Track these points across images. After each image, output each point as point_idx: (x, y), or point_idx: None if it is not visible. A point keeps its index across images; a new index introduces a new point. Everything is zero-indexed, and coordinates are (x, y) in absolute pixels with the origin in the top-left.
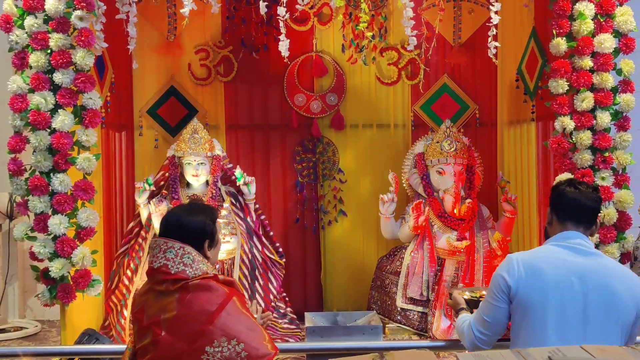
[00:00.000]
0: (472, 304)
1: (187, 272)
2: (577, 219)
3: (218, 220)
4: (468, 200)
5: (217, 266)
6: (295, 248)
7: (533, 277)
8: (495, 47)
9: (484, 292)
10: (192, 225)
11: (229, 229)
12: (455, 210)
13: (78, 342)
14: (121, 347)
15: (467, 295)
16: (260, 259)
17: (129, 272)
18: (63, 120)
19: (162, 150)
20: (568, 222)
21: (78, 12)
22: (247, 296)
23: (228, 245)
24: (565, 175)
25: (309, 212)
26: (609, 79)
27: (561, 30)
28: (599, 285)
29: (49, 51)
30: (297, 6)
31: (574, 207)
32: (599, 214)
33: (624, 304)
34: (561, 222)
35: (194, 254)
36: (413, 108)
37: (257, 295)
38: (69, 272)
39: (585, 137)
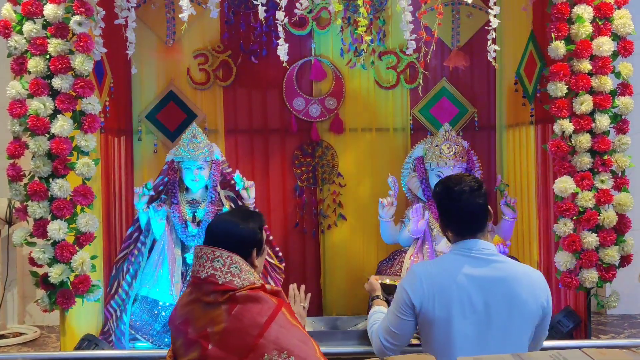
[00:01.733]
0: (388, 290)
1: (235, 282)
2: (471, 230)
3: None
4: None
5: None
6: (294, 252)
7: (436, 294)
8: (495, 51)
9: None
10: (241, 234)
11: None
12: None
13: (77, 347)
14: (121, 352)
15: (387, 281)
16: None
17: (128, 277)
18: (62, 125)
19: (161, 155)
20: (464, 233)
21: (77, 18)
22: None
23: None
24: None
25: (309, 216)
26: (608, 82)
27: (560, 34)
28: (501, 294)
29: (47, 56)
30: (296, 10)
31: (464, 221)
32: (488, 206)
33: (527, 308)
34: (456, 234)
35: (241, 264)
36: (412, 112)
37: None
38: (68, 278)
39: (585, 140)
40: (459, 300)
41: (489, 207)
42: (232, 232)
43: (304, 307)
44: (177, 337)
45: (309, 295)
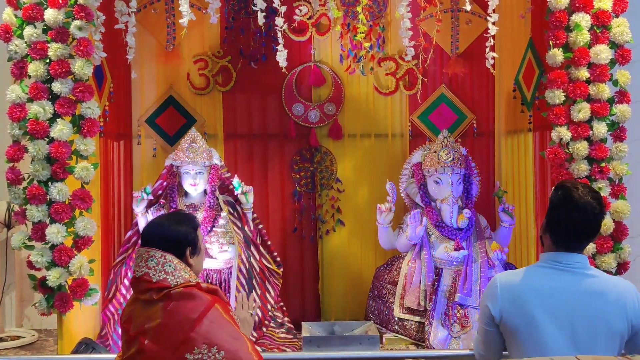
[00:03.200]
0: None
1: (169, 280)
2: (573, 244)
3: (199, 228)
4: (465, 210)
5: (215, 275)
6: (292, 257)
7: (516, 306)
8: (493, 58)
9: None
10: (173, 234)
11: (227, 238)
12: (452, 220)
13: (75, 351)
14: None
15: None
16: (257, 268)
17: (126, 282)
18: (61, 129)
19: (161, 159)
20: (562, 244)
21: (77, 22)
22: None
23: (226, 255)
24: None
25: (307, 221)
26: (605, 90)
27: (558, 41)
28: (586, 308)
29: (47, 61)
30: (295, 17)
31: (571, 232)
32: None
33: (613, 323)
34: (555, 243)
35: (175, 262)
36: (411, 118)
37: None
38: (66, 281)
39: (582, 147)
40: (539, 312)
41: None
42: (164, 233)
43: (251, 314)
44: (123, 335)
45: (257, 303)
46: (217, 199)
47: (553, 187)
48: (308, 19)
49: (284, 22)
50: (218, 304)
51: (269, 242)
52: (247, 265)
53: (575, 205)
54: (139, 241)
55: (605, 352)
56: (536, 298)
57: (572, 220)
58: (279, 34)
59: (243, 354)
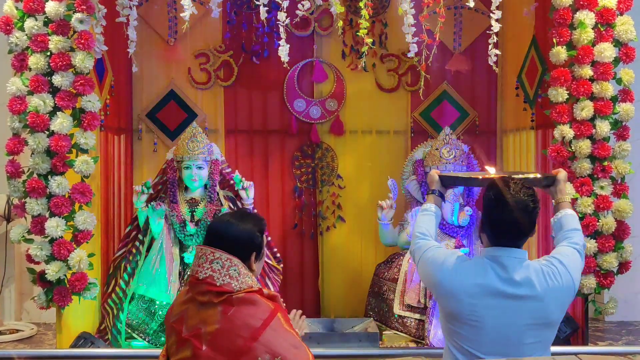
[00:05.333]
0: (447, 181)
1: (233, 285)
2: (510, 241)
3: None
4: (466, 208)
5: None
6: (293, 254)
7: (449, 301)
8: (496, 55)
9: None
10: (241, 236)
11: None
12: (453, 218)
13: (73, 345)
14: (117, 351)
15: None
16: None
17: (125, 276)
18: (62, 122)
19: (161, 154)
20: (499, 241)
21: (78, 15)
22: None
23: None
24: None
25: (307, 217)
26: (609, 88)
27: (561, 39)
28: (523, 302)
29: (48, 53)
30: (298, 12)
31: (506, 231)
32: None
33: (552, 315)
34: (491, 241)
35: (240, 267)
36: (413, 114)
37: None
38: (65, 275)
39: (585, 145)
40: (469, 303)
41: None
42: (232, 234)
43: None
44: (171, 335)
45: (305, 323)
46: (218, 194)
47: (486, 186)
48: (310, 14)
49: (286, 17)
50: (280, 312)
51: (269, 238)
52: None
53: (507, 204)
54: (141, 235)
55: (538, 345)
56: (466, 298)
57: (506, 219)
58: (281, 29)
59: None
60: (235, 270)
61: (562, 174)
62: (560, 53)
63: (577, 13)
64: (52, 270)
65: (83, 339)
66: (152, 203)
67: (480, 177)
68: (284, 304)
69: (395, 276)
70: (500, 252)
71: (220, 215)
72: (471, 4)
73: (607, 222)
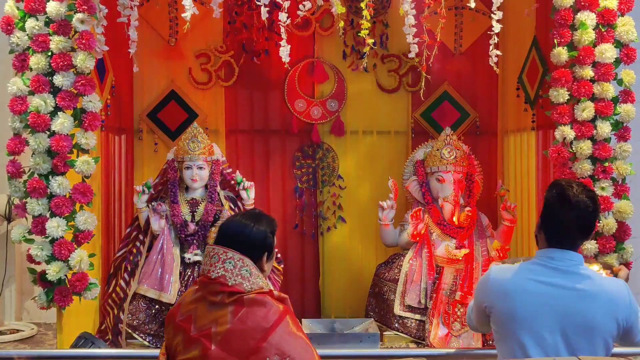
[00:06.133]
0: None
1: (245, 285)
2: (567, 241)
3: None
4: (467, 208)
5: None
6: (293, 254)
7: (504, 303)
8: (497, 56)
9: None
10: (254, 236)
11: None
12: (454, 218)
13: (74, 345)
14: (117, 351)
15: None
16: None
17: (126, 276)
18: (62, 122)
19: (162, 154)
20: (556, 242)
21: (79, 15)
22: None
23: None
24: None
25: (308, 218)
26: (610, 89)
27: (562, 40)
28: (574, 309)
29: (49, 53)
30: (299, 12)
31: (565, 230)
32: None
33: (601, 325)
34: (549, 241)
35: (252, 267)
36: (413, 115)
37: None
38: (66, 275)
39: (586, 146)
40: (524, 310)
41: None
42: (245, 234)
43: None
44: (177, 333)
45: None
46: (219, 194)
47: (548, 186)
48: (311, 14)
49: (287, 17)
50: (289, 315)
51: None
52: None
53: (569, 203)
54: (141, 235)
55: (588, 350)
56: (524, 296)
57: (567, 219)
58: (282, 29)
59: None
60: (247, 271)
61: (623, 272)
62: (561, 54)
63: (578, 14)
64: (53, 271)
65: (84, 339)
66: (152, 203)
67: None
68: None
69: (396, 277)
70: (555, 253)
71: (233, 216)
72: (472, 5)
73: (608, 223)
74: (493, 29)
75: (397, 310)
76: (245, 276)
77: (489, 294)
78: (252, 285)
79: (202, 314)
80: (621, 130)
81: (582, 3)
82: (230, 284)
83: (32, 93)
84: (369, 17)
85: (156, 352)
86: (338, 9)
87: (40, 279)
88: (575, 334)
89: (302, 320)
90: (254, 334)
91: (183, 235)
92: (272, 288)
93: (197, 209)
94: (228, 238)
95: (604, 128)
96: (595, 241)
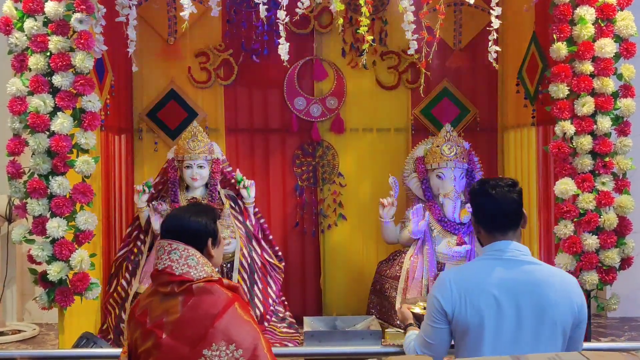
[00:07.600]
0: (420, 319)
1: (192, 273)
2: (502, 227)
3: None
4: (468, 205)
5: (216, 269)
6: (294, 252)
7: (466, 299)
8: (496, 52)
9: None
10: (194, 226)
11: (228, 233)
12: (455, 215)
13: (76, 345)
14: (119, 351)
15: (417, 310)
16: (259, 263)
17: (127, 276)
18: (62, 123)
19: (162, 153)
20: (495, 232)
21: (78, 15)
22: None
23: (227, 249)
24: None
25: (309, 216)
26: (610, 84)
27: (562, 35)
28: (531, 297)
29: (48, 54)
30: (297, 10)
31: (496, 217)
32: (522, 208)
33: (559, 312)
34: (488, 232)
35: (198, 256)
36: (413, 112)
37: (255, 300)
38: (67, 276)
39: (586, 141)
40: (488, 304)
41: (523, 210)
42: (185, 225)
43: None
44: (136, 328)
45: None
46: (219, 193)
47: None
48: (310, 12)
49: (286, 15)
50: (238, 302)
51: (271, 237)
52: (249, 260)
53: (489, 193)
54: (142, 235)
55: (551, 341)
56: (484, 288)
57: (497, 209)
58: (281, 27)
59: (261, 353)
60: (193, 260)
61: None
62: (560, 49)
63: (578, 9)
64: (54, 271)
65: (85, 339)
66: (153, 202)
67: None
68: (283, 299)
69: (397, 274)
70: (501, 245)
71: (172, 211)
72: (471, 1)
73: (609, 218)
74: (492, 25)
75: (399, 307)
76: (192, 265)
77: (451, 296)
78: (199, 273)
79: (156, 306)
80: (621, 125)
81: None
82: (177, 273)
83: (31, 93)
84: (367, 14)
85: None
86: (337, 6)
87: (41, 279)
88: (532, 324)
89: (304, 318)
90: (203, 321)
91: None
92: (221, 277)
93: None
94: (170, 232)
95: (604, 123)
96: (597, 236)
